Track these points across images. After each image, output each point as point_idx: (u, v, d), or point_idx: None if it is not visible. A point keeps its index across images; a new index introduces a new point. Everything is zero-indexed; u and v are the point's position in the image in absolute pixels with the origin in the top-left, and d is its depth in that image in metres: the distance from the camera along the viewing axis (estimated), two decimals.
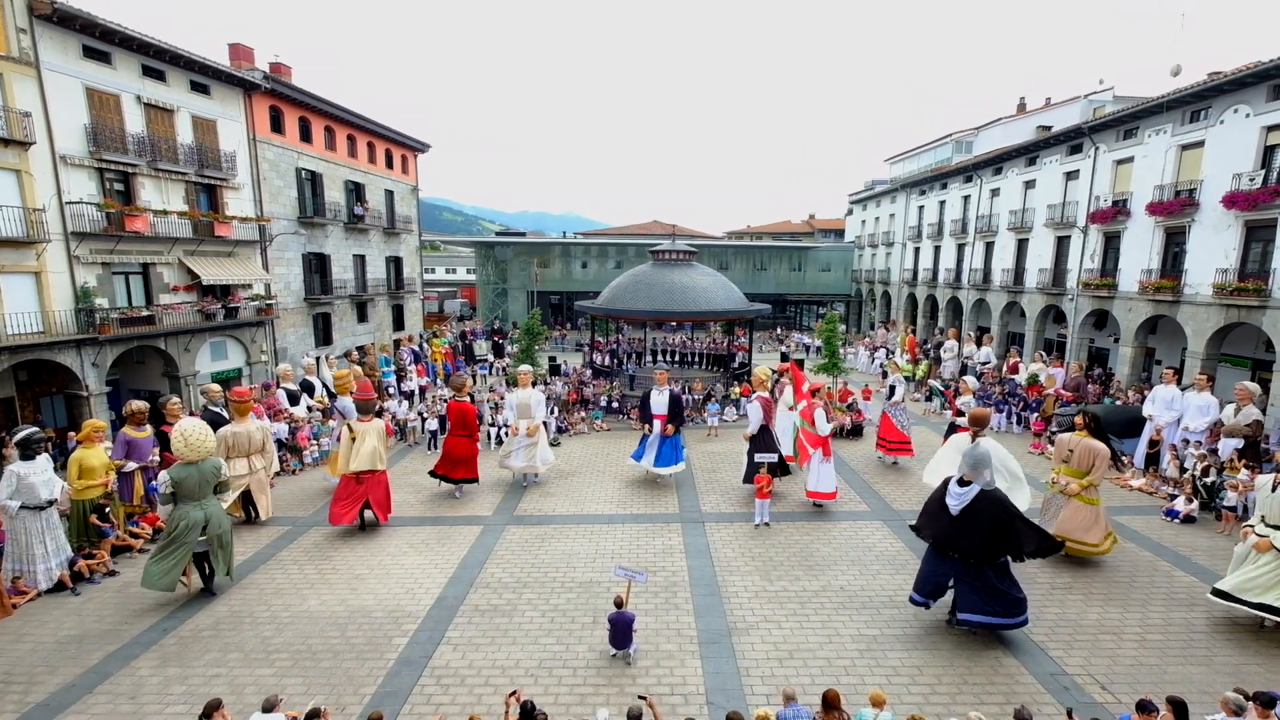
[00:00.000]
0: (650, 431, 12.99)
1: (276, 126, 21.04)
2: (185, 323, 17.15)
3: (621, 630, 6.95)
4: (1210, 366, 16.60)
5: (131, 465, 10.40)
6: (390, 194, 28.41)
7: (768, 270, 44.06)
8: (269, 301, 19.95)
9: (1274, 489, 7.37)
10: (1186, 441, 12.92)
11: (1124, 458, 13.89)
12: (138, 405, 10.88)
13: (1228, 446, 12.05)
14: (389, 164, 28.34)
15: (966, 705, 6.11)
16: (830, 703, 5.12)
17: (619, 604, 7.01)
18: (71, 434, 12.58)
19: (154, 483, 11.18)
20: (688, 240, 29.36)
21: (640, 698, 5.15)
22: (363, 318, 26.29)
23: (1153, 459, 13.49)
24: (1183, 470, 12.41)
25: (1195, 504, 11.06)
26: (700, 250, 25.91)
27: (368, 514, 10.78)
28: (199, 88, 17.90)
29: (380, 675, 6.78)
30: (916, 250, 34.94)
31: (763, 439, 12.03)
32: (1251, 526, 7.66)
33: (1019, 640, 7.33)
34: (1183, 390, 13.74)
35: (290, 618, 7.97)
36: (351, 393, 12.55)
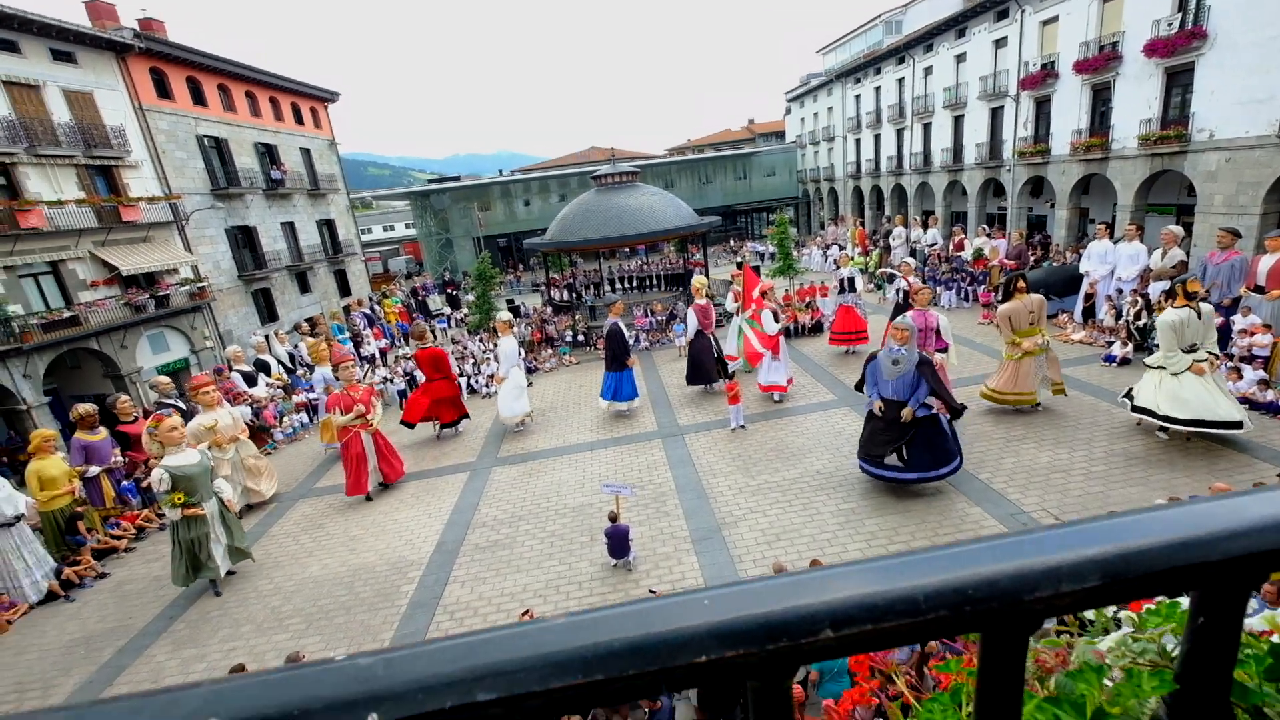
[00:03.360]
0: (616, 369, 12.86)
1: (163, 91, 19.13)
2: (114, 319, 16.17)
3: (618, 541, 7.33)
4: (1139, 217, 17.42)
5: (94, 469, 10.09)
6: (307, 152, 26.53)
7: (713, 182, 43.41)
8: (200, 284, 18.88)
9: (1199, 317, 7.98)
10: (1120, 291, 13.73)
11: (1064, 314, 14.75)
12: (84, 409, 10.42)
13: (1156, 289, 12.87)
14: (298, 119, 26.27)
15: None
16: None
17: (613, 518, 7.35)
18: (19, 453, 12.04)
19: (125, 484, 10.91)
20: (629, 163, 28.52)
21: (651, 591, 5.51)
22: (305, 288, 25.18)
23: (1089, 312, 14.35)
24: (1118, 317, 13.27)
25: (1130, 346, 11.92)
26: (643, 170, 25.25)
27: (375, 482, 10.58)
28: (63, 56, 15.99)
29: (395, 620, 7.06)
30: (857, 142, 34.77)
31: (701, 345, 12.65)
32: (1213, 357, 8.14)
33: (980, 489, 8.02)
34: (1115, 243, 14.45)
35: (295, 586, 8.12)
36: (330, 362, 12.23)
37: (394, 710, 0.32)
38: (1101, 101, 18.47)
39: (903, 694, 0.80)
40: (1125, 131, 17.32)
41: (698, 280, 13.39)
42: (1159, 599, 0.64)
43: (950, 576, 0.36)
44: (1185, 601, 0.63)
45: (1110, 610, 0.73)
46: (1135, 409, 8.51)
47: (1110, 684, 0.47)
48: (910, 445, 7.86)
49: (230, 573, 8.42)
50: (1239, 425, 7.73)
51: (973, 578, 0.36)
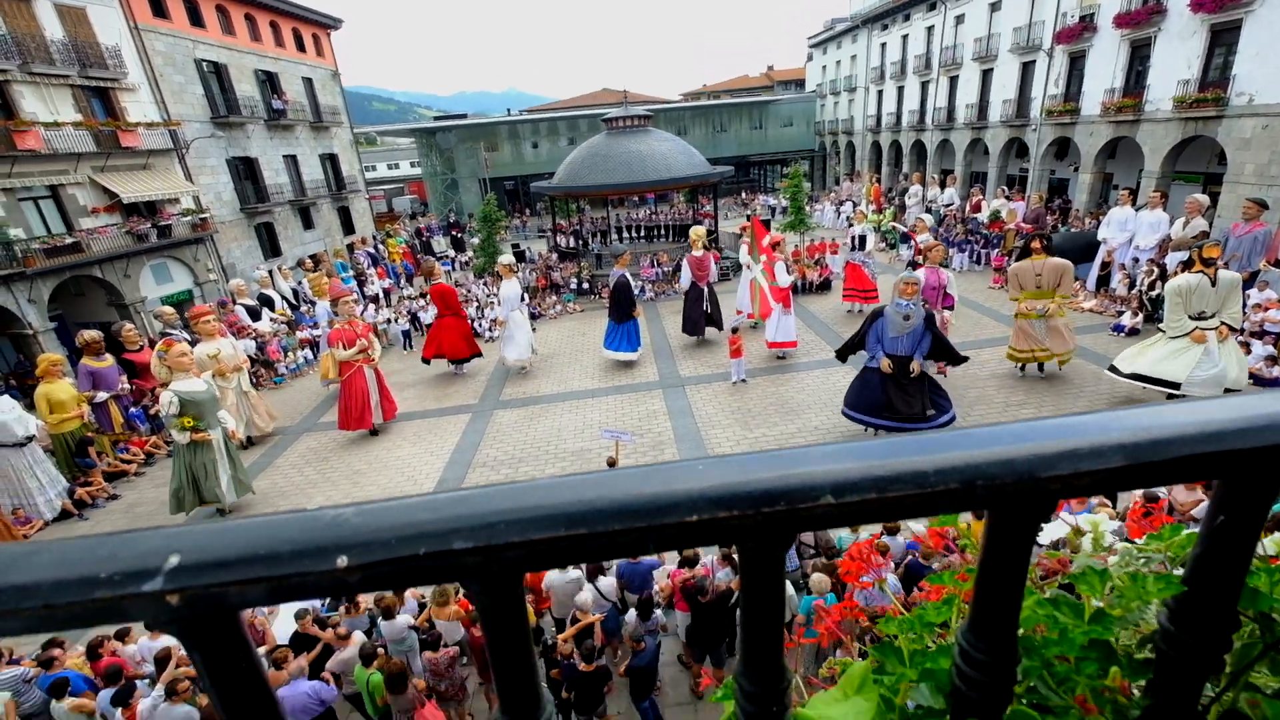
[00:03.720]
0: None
1: (159, 10, 18.36)
2: (116, 247, 16.05)
3: None
4: (1165, 185, 16.89)
5: (102, 395, 10.23)
6: (309, 82, 25.68)
7: (728, 131, 42.06)
8: (203, 215, 18.64)
9: (1213, 284, 7.83)
10: (1136, 260, 13.47)
11: (1076, 281, 14.53)
12: (90, 335, 10.47)
13: (1174, 259, 12.61)
14: (300, 46, 25.30)
15: None
16: None
17: (611, 464, 7.47)
18: (28, 376, 12.19)
19: (132, 410, 11.08)
20: (642, 106, 27.56)
21: None
22: (308, 224, 24.87)
23: (1104, 280, 14.12)
24: (1132, 287, 13.06)
25: (1140, 317, 11.78)
26: (656, 115, 24.45)
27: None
28: None
29: None
30: (880, 93, 33.45)
31: (693, 295, 12.66)
32: (1224, 327, 7.97)
33: None
34: (1136, 210, 14.07)
35: None
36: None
37: (365, 555, 0.31)
38: (1139, 59, 17.61)
39: (893, 603, 0.80)
40: (1160, 93, 16.58)
41: (696, 230, 13.26)
42: (1163, 526, 0.63)
43: (964, 453, 0.34)
44: (1190, 529, 0.61)
45: (1109, 539, 0.72)
46: (1133, 376, 8.39)
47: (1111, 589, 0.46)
48: (909, 396, 7.91)
49: (229, 510, 8.64)
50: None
51: (987, 455, 0.34)
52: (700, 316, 13.10)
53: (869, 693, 0.46)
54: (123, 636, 5.68)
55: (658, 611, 5.39)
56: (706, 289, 13.02)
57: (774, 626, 0.41)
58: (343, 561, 0.31)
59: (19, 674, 5.15)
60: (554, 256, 21.57)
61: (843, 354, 8.72)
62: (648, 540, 0.33)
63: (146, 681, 5.21)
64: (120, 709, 4.79)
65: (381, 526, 0.33)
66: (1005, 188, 21.84)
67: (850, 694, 0.46)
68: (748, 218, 19.25)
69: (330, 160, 26.89)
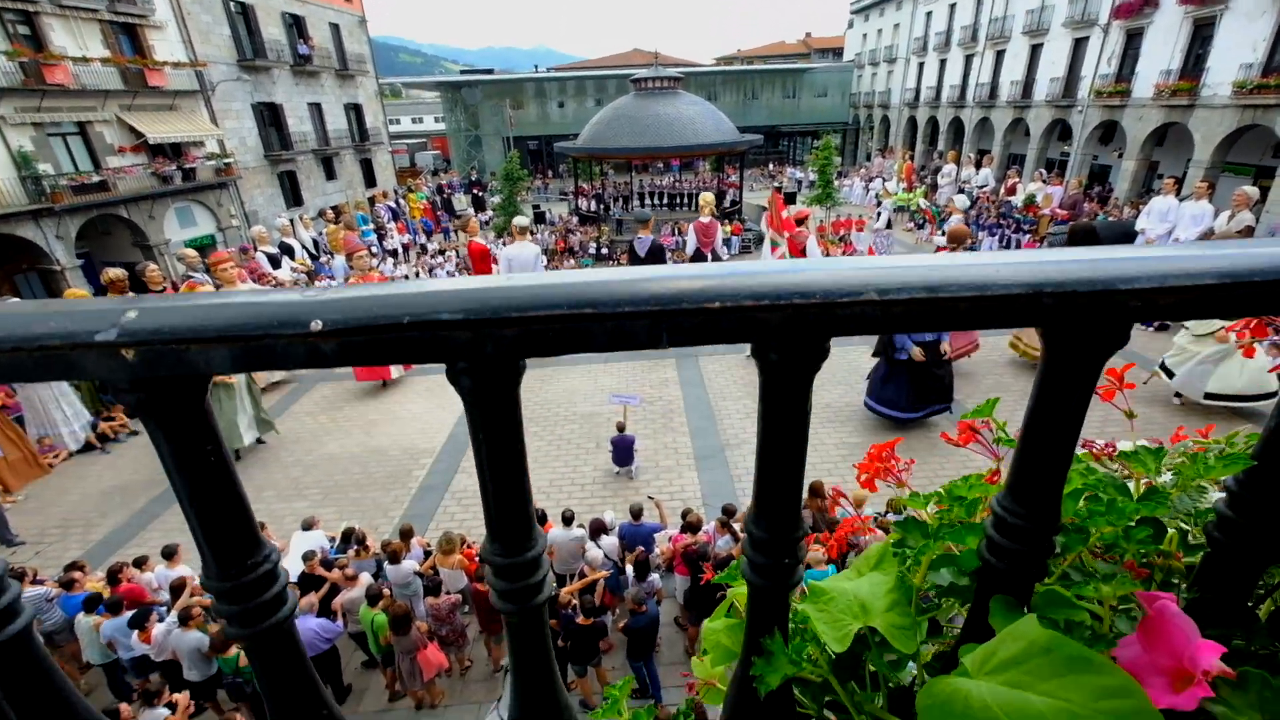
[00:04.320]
0: None
1: None
2: (142, 187, 16.17)
3: (623, 450, 7.50)
4: (1213, 176, 16.17)
5: None
6: (336, 28, 25.30)
7: (759, 99, 40.91)
8: (227, 160, 18.68)
9: None
10: None
11: None
12: (115, 273, 10.59)
13: None
14: None
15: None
16: (815, 490, 5.67)
17: (620, 428, 7.50)
18: None
19: None
20: (672, 69, 26.81)
21: (649, 497, 5.69)
22: (331, 174, 24.82)
23: None
24: None
25: None
26: (686, 79, 23.77)
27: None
28: None
29: (405, 500, 7.43)
30: (920, 66, 32.20)
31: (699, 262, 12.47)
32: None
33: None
34: (1180, 201, 13.49)
35: (314, 460, 8.53)
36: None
37: (341, 320, 0.27)
38: (1200, 40, 16.67)
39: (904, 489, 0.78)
40: (1220, 76, 15.72)
41: (705, 195, 13.40)
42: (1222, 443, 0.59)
43: (1032, 262, 0.30)
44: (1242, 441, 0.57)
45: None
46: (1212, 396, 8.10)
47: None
48: (938, 381, 7.88)
49: (260, 441, 8.85)
50: (1269, 395, 7.49)
51: (1059, 266, 0.29)
52: None
53: (888, 566, 0.42)
54: (140, 564, 5.90)
55: (654, 576, 5.46)
56: (711, 255, 13.01)
57: (793, 462, 0.38)
58: (317, 325, 0.27)
59: (42, 593, 5.38)
60: (574, 220, 21.34)
61: (878, 352, 8.44)
62: (660, 328, 0.30)
63: (165, 608, 5.43)
64: (137, 632, 5.00)
65: (362, 296, 0.29)
66: (1044, 171, 21.05)
67: (865, 571, 0.43)
68: (776, 189, 18.87)
69: (355, 110, 26.67)
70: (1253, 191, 12.20)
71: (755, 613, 0.45)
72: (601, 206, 22.10)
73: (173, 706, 4.43)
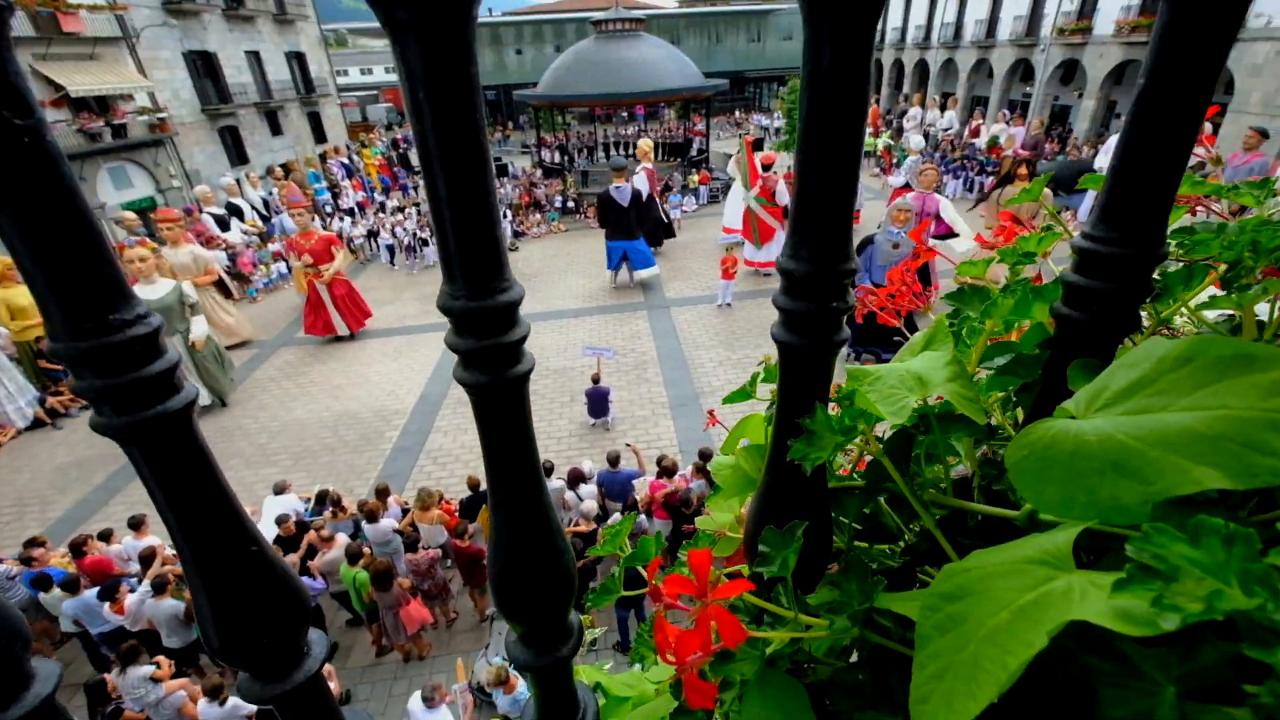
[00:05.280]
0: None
1: None
2: (68, 146, 14.97)
3: (598, 401, 7.50)
4: None
5: None
6: None
7: (724, 43, 39.72)
8: (160, 115, 17.39)
9: None
10: None
11: (1068, 211, 14.35)
12: None
13: None
14: None
15: None
16: None
17: (595, 380, 7.47)
18: None
19: None
20: (635, 11, 25.66)
21: (627, 445, 5.72)
22: (276, 129, 23.37)
23: None
24: None
25: None
26: (648, 22, 22.83)
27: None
28: None
29: (380, 462, 7.34)
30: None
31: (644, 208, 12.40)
32: None
33: None
34: None
35: (280, 426, 8.32)
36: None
37: None
38: None
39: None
40: None
41: (644, 142, 13.81)
42: None
43: None
44: None
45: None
46: None
47: None
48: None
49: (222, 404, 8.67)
50: None
51: None
52: (657, 227, 13.38)
53: (944, 339, 0.37)
54: (106, 537, 5.73)
55: (641, 517, 5.55)
56: (656, 201, 13.21)
57: (848, 158, 0.30)
58: None
59: (2, 571, 5.20)
60: (538, 173, 20.70)
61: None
62: None
63: (135, 579, 5.31)
64: (108, 603, 4.89)
65: None
66: (1006, 112, 21.13)
67: (917, 350, 0.37)
68: (740, 137, 18.52)
69: (298, 59, 24.94)
70: (1204, 128, 12.43)
71: (790, 386, 0.37)
72: (566, 158, 21.46)
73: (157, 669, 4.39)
